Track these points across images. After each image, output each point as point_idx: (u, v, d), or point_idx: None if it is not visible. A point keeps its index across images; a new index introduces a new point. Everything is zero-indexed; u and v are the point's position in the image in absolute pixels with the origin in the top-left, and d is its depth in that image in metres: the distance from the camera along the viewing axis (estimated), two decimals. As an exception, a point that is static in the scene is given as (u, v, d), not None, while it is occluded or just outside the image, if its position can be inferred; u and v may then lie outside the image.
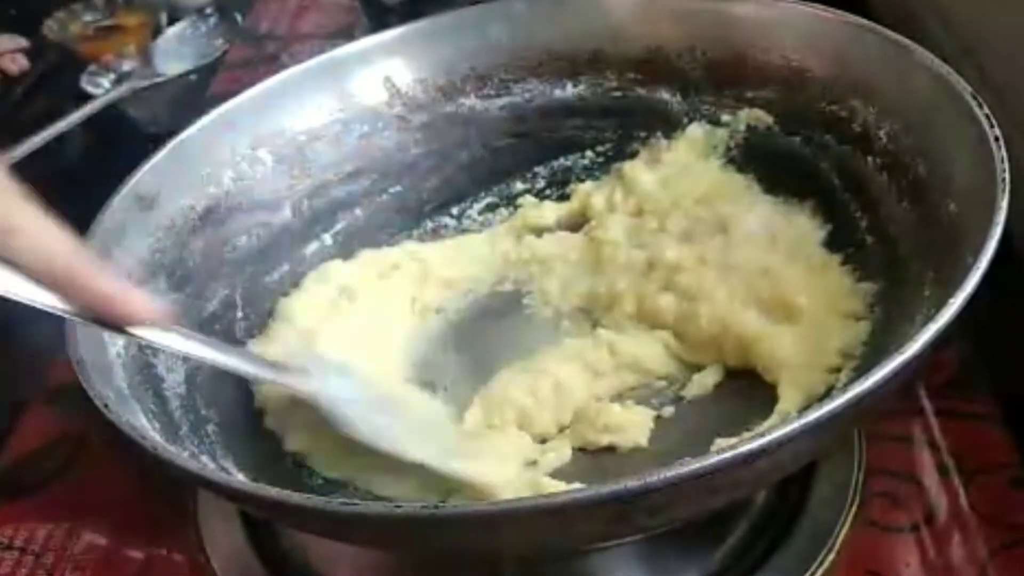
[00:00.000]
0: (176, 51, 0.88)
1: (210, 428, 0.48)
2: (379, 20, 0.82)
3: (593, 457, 0.49)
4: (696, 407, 0.50)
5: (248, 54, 0.93)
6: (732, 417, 0.48)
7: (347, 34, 0.89)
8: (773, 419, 0.47)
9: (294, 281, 0.57)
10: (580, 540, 0.40)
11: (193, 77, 0.87)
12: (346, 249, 0.60)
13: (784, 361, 0.49)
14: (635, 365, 0.52)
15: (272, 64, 0.85)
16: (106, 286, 0.38)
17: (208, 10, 0.92)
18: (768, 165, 0.57)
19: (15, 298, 0.37)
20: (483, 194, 0.62)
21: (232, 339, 0.53)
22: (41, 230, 0.37)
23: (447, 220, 0.62)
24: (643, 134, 0.60)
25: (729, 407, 0.50)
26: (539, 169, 0.62)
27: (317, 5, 1.00)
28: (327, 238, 0.59)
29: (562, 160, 0.62)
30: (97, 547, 0.54)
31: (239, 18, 0.95)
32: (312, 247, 0.59)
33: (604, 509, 0.34)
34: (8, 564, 0.53)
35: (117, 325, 0.39)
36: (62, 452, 0.59)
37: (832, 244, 0.53)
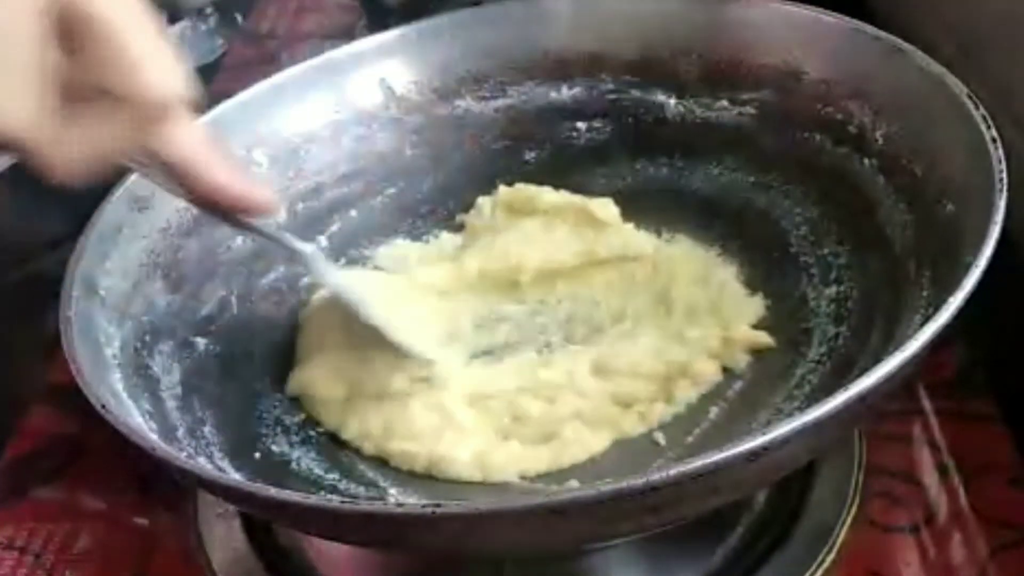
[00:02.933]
0: (176, 51, 0.88)
1: (207, 430, 0.48)
2: (379, 21, 0.82)
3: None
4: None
5: (248, 54, 0.93)
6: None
7: (347, 34, 0.89)
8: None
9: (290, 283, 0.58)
10: (581, 540, 0.40)
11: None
12: (341, 251, 0.60)
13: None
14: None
15: (272, 64, 0.85)
16: (220, 177, 0.41)
17: (208, 10, 0.92)
18: (763, 167, 0.57)
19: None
20: (479, 196, 0.62)
21: (227, 340, 0.53)
22: (186, 123, 0.39)
23: (442, 222, 0.62)
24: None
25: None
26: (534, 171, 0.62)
27: (317, 5, 1.00)
28: (322, 240, 0.59)
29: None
30: (97, 547, 0.54)
31: (239, 18, 0.95)
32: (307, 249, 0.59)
33: (605, 508, 0.34)
34: (8, 564, 0.53)
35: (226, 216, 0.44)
36: (62, 452, 0.59)
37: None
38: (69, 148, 0.34)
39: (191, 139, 0.40)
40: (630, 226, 0.57)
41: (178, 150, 0.40)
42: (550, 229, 0.57)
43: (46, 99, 0.33)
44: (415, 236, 0.62)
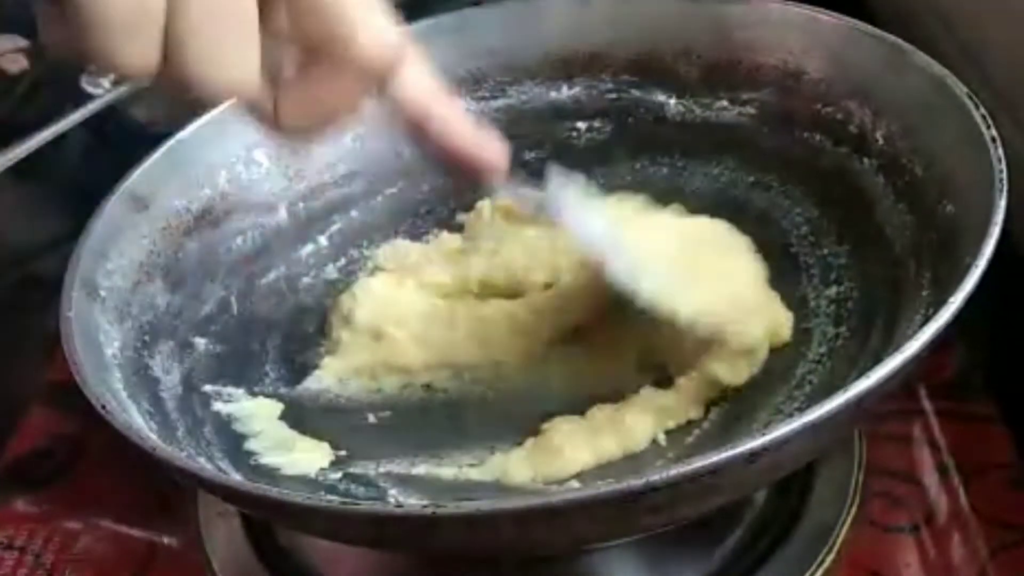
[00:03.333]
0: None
1: (207, 430, 0.48)
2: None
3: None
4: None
5: (248, 54, 0.93)
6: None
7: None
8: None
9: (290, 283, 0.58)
10: (581, 540, 0.40)
11: (193, 77, 0.87)
12: (341, 251, 0.60)
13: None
14: None
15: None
16: (467, 137, 0.41)
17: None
18: (763, 167, 0.57)
19: None
20: (478, 196, 0.62)
21: (227, 340, 0.53)
22: (421, 68, 0.39)
23: (443, 222, 0.62)
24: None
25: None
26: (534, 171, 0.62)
27: (317, 5, 1.00)
28: (322, 240, 0.59)
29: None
30: (97, 547, 0.54)
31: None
32: (307, 249, 0.59)
33: (605, 508, 0.34)
34: (8, 564, 0.53)
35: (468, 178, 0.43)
36: (62, 452, 0.59)
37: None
38: (297, 108, 0.36)
39: (425, 92, 0.40)
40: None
41: (414, 105, 0.40)
42: (552, 237, 0.57)
43: (268, 59, 0.34)
44: (415, 236, 0.61)
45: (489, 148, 0.43)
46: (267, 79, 0.35)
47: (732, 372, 0.48)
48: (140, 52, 0.32)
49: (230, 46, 0.33)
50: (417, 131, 0.41)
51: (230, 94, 0.34)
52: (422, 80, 0.40)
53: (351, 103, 0.37)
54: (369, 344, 0.54)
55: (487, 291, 0.56)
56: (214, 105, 0.34)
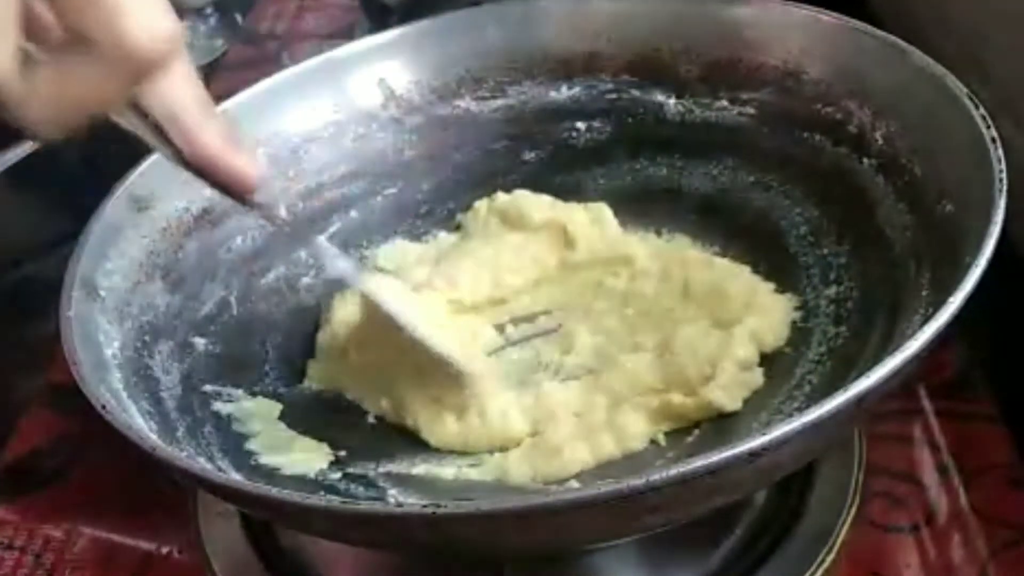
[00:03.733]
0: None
1: (207, 430, 0.48)
2: (379, 21, 0.82)
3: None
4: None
5: (248, 54, 0.93)
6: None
7: (347, 34, 0.89)
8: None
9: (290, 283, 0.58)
10: (580, 540, 0.40)
11: (193, 77, 0.87)
12: (341, 250, 0.60)
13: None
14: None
15: (272, 64, 0.85)
16: (210, 143, 0.38)
17: (208, 10, 0.92)
18: (763, 167, 0.57)
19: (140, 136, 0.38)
20: (478, 196, 0.62)
21: (227, 340, 0.54)
22: (179, 78, 0.36)
23: (442, 222, 0.62)
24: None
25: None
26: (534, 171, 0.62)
27: (317, 5, 1.00)
28: (322, 240, 0.59)
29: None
30: (97, 547, 0.54)
31: (239, 18, 0.95)
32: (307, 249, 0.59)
33: (605, 508, 0.34)
34: (8, 564, 0.53)
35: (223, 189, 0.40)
36: (62, 452, 0.59)
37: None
38: (46, 99, 0.32)
39: (183, 96, 0.36)
40: (620, 232, 0.57)
41: (167, 107, 0.36)
42: (539, 241, 0.57)
43: (19, 44, 0.30)
44: (414, 236, 0.62)
45: (240, 164, 0.40)
46: (23, 65, 0.31)
47: (729, 398, 0.48)
48: None
49: None
50: (171, 139, 0.38)
51: None
52: (184, 83, 0.37)
53: (109, 96, 0.33)
54: (339, 357, 0.54)
55: (476, 297, 0.56)
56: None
